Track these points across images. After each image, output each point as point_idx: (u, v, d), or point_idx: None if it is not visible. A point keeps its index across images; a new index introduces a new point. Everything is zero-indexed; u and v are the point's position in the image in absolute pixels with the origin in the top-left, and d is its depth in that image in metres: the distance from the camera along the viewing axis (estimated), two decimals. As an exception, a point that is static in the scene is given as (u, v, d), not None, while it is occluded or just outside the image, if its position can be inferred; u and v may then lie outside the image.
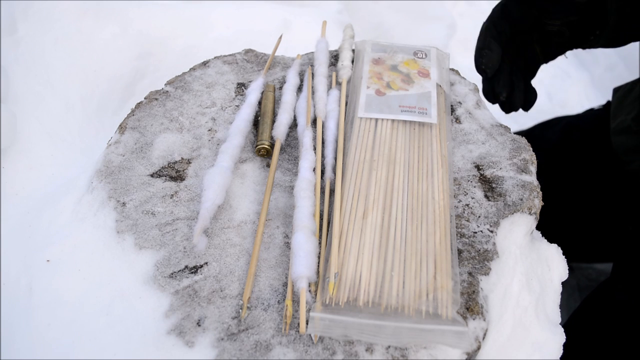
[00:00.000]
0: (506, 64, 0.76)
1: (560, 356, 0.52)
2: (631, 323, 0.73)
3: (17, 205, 0.64)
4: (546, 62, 0.81)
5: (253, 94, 0.67)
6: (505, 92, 0.75)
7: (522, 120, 1.38)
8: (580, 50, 0.84)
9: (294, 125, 0.67)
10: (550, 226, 0.69)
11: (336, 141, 0.62)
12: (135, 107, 0.67)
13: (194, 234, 0.51)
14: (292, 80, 0.70)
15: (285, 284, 0.51)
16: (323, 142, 0.63)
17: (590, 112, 1.01)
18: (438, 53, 0.72)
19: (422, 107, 0.63)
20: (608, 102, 0.96)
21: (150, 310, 0.49)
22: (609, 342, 0.75)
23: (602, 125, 0.92)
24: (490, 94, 0.77)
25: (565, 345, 0.53)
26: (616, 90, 0.91)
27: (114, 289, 0.51)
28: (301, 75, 0.73)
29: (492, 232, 0.55)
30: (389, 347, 0.46)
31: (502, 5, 0.77)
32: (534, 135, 1.03)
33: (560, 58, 0.84)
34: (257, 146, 0.62)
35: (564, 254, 0.59)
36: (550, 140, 1.00)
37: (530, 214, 0.57)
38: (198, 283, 0.50)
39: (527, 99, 0.77)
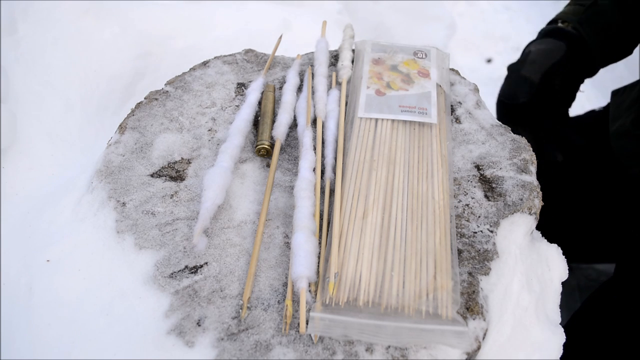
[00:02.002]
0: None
1: (560, 356, 0.52)
2: (631, 325, 0.73)
3: (17, 205, 0.64)
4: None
5: (253, 94, 0.67)
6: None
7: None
8: None
9: (294, 125, 0.67)
10: (550, 226, 0.69)
11: (336, 141, 0.62)
12: (135, 107, 0.67)
13: (194, 234, 0.51)
14: (292, 80, 0.70)
15: (285, 284, 0.51)
16: (323, 142, 0.63)
17: (591, 114, 1.01)
18: (438, 53, 0.72)
19: (422, 107, 0.63)
20: (608, 104, 0.96)
21: (150, 310, 0.49)
22: (609, 344, 0.75)
23: (603, 127, 0.92)
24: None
25: (565, 346, 0.53)
26: (614, 94, 0.92)
27: (114, 289, 0.51)
28: (301, 75, 0.73)
29: (492, 232, 0.55)
30: (389, 347, 0.46)
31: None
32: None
33: None
34: (257, 146, 0.62)
35: (564, 254, 0.60)
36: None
37: (530, 214, 0.57)
38: (198, 283, 0.50)
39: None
